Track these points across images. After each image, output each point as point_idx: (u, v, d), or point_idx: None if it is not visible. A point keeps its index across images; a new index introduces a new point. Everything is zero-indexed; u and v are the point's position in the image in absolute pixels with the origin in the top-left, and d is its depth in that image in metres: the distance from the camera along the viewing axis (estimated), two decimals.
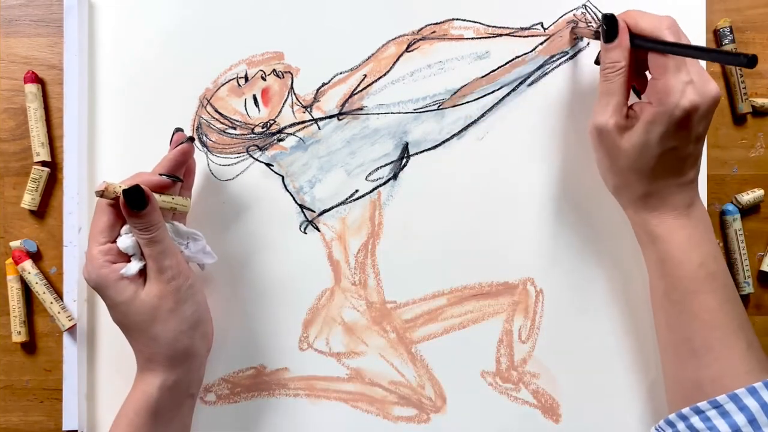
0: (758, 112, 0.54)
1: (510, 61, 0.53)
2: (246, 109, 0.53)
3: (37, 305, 0.53)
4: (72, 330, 0.51)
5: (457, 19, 0.53)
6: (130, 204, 0.42)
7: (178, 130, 0.48)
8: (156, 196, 0.44)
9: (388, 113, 0.53)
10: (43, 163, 0.53)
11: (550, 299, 0.52)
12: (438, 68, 0.53)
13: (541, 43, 0.53)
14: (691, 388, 0.44)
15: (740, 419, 0.40)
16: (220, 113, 0.53)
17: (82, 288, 0.52)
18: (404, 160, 0.53)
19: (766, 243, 0.54)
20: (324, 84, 0.53)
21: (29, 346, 0.54)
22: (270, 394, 0.52)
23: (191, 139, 0.48)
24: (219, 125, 0.53)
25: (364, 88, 0.53)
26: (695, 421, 0.42)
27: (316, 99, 0.53)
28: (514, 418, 0.52)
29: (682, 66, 0.43)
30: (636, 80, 0.48)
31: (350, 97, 0.53)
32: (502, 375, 0.52)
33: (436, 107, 0.53)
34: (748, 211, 0.54)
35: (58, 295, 0.52)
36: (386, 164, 0.53)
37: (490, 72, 0.53)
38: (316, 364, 0.52)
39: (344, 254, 0.53)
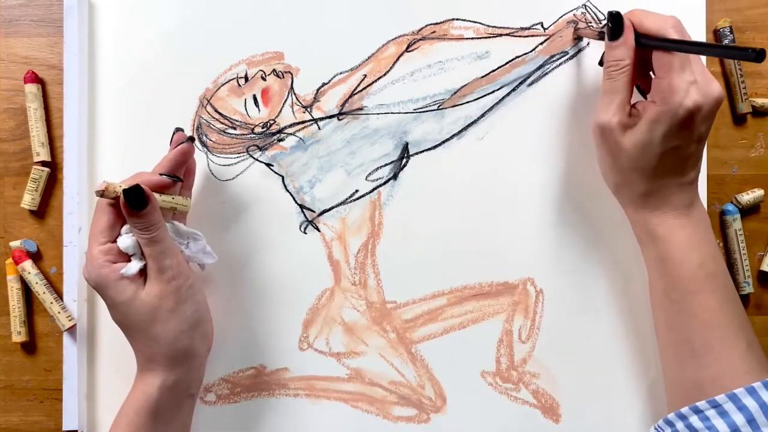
0: (758, 112, 0.54)
1: (510, 61, 0.53)
2: (246, 109, 0.53)
3: (37, 305, 0.53)
4: (72, 330, 0.51)
5: (457, 19, 0.53)
6: (131, 204, 0.42)
7: (179, 130, 0.48)
8: (156, 195, 0.44)
9: (388, 113, 0.53)
10: (43, 163, 0.53)
11: (550, 299, 0.52)
12: (438, 68, 0.53)
13: (541, 43, 0.53)
14: (690, 388, 0.44)
15: (739, 419, 0.40)
16: (220, 113, 0.53)
17: (82, 288, 0.52)
18: (404, 160, 0.53)
19: (766, 243, 0.54)
20: (324, 84, 0.53)
21: (29, 346, 0.54)
22: (270, 394, 0.52)
23: (191, 139, 0.48)
24: (219, 125, 0.53)
25: (364, 88, 0.53)
26: (694, 420, 0.42)
27: (316, 99, 0.53)
28: (514, 418, 0.52)
29: (686, 66, 0.43)
30: (641, 80, 0.48)
31: (350, 97, 0.53)
32: (502, 375, 0.52)
33: (436, 107, 0.53)
34: (748, 211, 0.54)
35: (58, 295, 0.52)
36: (386, 164, 0.53)
37: (490, 72, 0.53)
38: (316, 364, 0.52)
39: (344, 254, 0.53)
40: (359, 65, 0.53)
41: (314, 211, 0.53)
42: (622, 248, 0.52)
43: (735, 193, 0.54)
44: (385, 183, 0.53)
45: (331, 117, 0.53)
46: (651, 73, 0.46)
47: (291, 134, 0.53)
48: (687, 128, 0.43)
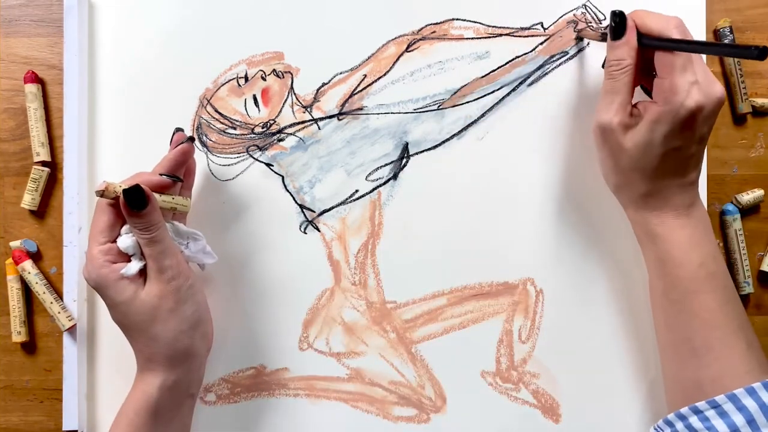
0: (758, 112, 0.54)
1: (510, 61, 0.53)
2: (246, 109, 0.53)
3: (37, 305, 0.53)
4: (72, 330, 0.51)
5: (457, 19, 0.53)
6: (131, 204, 0.42)
7: (179, 130, 0.48)
8: (156, 195, 0.44)
9: (388, 113, 0.53)
10: (43, 163, 0.53)
11: (550, 299, 0.52)
12: (438, 68, 0.53)
13: (541, 43, 0.53)
14: (690, 388, 0.44)
15: (739, 419, 0.40)
16: (220, 113, 0.53)
17: (82, 288, 0.52)
18: (404, 160, 0.53)
19: (766, 243, 0.54)
20: (324, 84, 0.53)
21: (29, 346, 0.54)
22: (270, 394, 0.52)
23: (191, 139, 0.48)
24: (219, 125, 0.53)
25: (364, 88, 0.53)
26: (694, 421, 0.42)
27: (316, 99, 0.53)
28: (514, 418, 0.52)
29: (688, 66, 0.43)
30: (646, 81, 0.48)
31: (350, 97, 0.53)
32: (502, 375, 0.52)
33: (436, 107, 0.53)
34: (748, 211, 0.54)
35: (58, 295, 0.52)
36: (386, 164, 0.53)
37: (490, 72, 0.53)
38: (316, 364, 0.52)
39: (344, 254, 0.53)
40: (359, 65, 0.53)
41: (314, 211, 0.53)
42: (622, 248, 0.52)
43: (735, 193, 0.54)
44: (385, 183, 0.53)
45: (331, 117, 0.53)
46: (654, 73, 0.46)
47: (291, 134, 0.53)
48: (688, 129, 0.43)
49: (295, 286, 0.52)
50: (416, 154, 0.53)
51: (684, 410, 0.43)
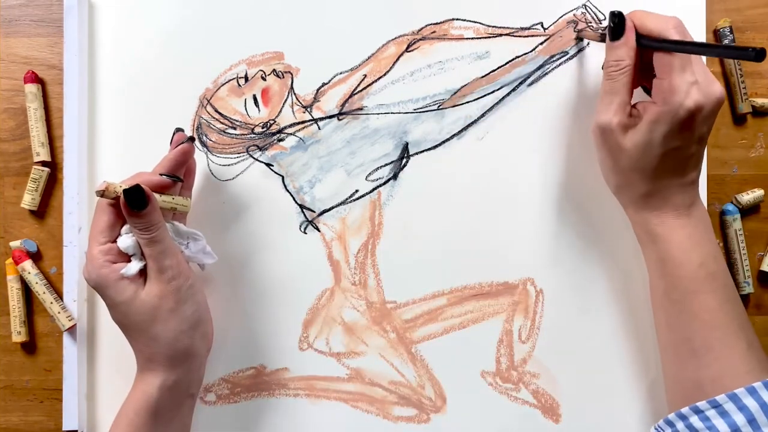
0: (758, 112, 0.54)
1: (510, 61, 0.53)
2: (246, 109, 0.53)
3: (37, 305, 0.53)
4: (72, 330, 0.51)
5: (457, 19, 0.53)
6: (131, 204, 0.42)
7: (179, 130, 0.48)
8: (156, 195, 0.44)
9: (388, 113, 0.53)
10: (43, 163, 0.53)
11: (550, 299, 0.52)
12: (438, 68, 0.53)
13: (541, 43, 0.53)
14: (691, 388, 0.44)
15: (739, 419, 0.40)
16: (220, 113, 0.53)
17: (82, 288, 0.52)
18: (404, 160, 0.53)
19: (766, 243, 0.54)
20: (324, 84, 0.53)
21: (29, 346, 0.54)
22: (270, 394, 0.52)
23: (191, 139, 0.48)
24: (219, 125, 0.53)
25: (364, 88, 0.53)
26: (694, 420, 0.42)
27: (316, 99, 0.53)
28: (514, 418, 0.52)
29: (687, 66, 0.43)
30: (646, 81, 0.48)
31: (350, 97, 0.53)
32: (502, 375, 0.52)
33: (436, 107, 0.53)
34: (748, 211, 0.54)
35: (58, 295, 0.52)
36: (386, 164, 0.53)
37: (490, 72, 0.53)
38: (316, 364, 0.52)
39: (344, 254, 0.53)
40: (359, 65, 0.53)
41: (314, 211, 0.53)
42: (622, 248, 0.52)
43: (735, 193, 0.54)
44: (385, 183, 0.53)
45: (331, 117, 0.53)
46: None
47: (291, 134, 0.53)
48: (688, 129, 0.43)
49: (295, 286, 0.52)
50: (416, 154, 0.53)
51: (685, 410, 0.43)
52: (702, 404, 0.42)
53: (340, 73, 0.53)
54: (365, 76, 0.53)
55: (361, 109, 0.53)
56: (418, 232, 0.52)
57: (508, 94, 0.53)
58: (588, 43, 0.52)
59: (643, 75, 0.47)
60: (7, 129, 0.54)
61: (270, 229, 0.52)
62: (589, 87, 0.52)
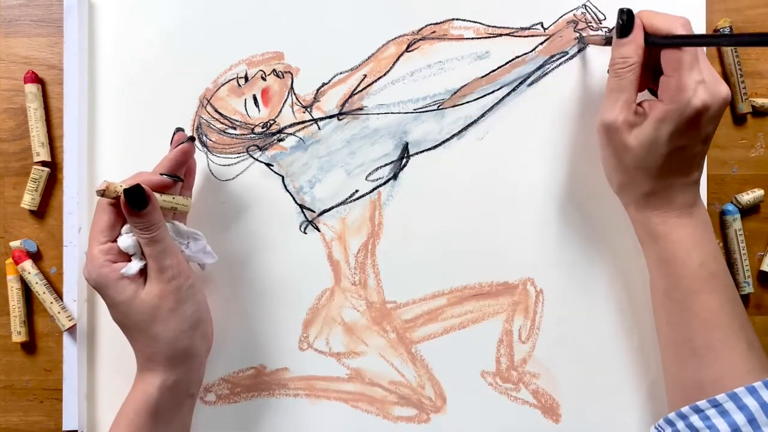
0: (758, 112, 0.54)
1: (510, 61, 0.53)
2: (246, 109, 0.53)
3: (37, 305, 0.53)
4: (72, 330, 0.51)
5: (457, 19, 0.53)
6: (131, 203, 0.42)
7: (179, 129, 0.49)
8: (157, 195, 0.44)
9: (388, 113, 0.53)
10: (43, 163, 0.53)
11: (550, 299, 0.52)
12: (438, 68, 0.53)
13: (541, 43, 0.53)
14: (691, 388, 0.44)
15: (739, 418, 0.40)
16: (220, 113, 0.53)
17: (82, 288, 0.52)
18: (404, 160, 0.53)
19: (766, 243, 0.54)
20: (324, 84, 0.53)
21: (29, 346, 0.54)
22: (270, 394, 0.52)
23: (192, 139, 0.48)
24: (219, 125, 0.53)
25: (364, 88, 0.53)
26: (694, 420, 0.42)
27: (316, 99, 0.53)
28: (514, 418, 0.52)
29: (695, 65, 0.43)
30: (653, 84, 0.47)
31: (350, 97, 0.53)
32: (502, 375, 0.52)
33: (436, 107, 0.53)
34: (748, 211, 0.54)
35: (58, 295, 0.52)
36: (386, 164, 0.53)
37: (490, 72, 0.53)
38: (316, 364, 0.52)
39: (344, 254, 0.53)
40: (359, 65, 0.53)
41: (314, 211, 0.53)
42: (623, 248, 0.52)
43: (735, 193, 0.54)
44: (385, 183, 0.53)
45: (331, 117, 0.53)
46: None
47: (291, 134, 0.53)
48: (694, 128, 0.43)
49: (295, 286, 0.52)
50: (416, 154, 0.53)
51: (685, 409, 0.43)
52: (702, 403, 0.42)
53: (340, 73, 0.53)
54: (365, 76, 0.53)
55: (361, 109, 0.53)
56: (418, 232, 0.52)
57: (508, 94, 0.53)
58: (588, 43, 0.52)
59: (649, 77, 0.47)
60: (7, 129, 0.54)
61: (270, 229, 0.52)
62: (589, 87, 0.52)
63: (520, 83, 0.53)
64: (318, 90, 0.53)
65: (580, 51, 0.52)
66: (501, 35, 0.53)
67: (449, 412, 0.52)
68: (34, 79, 0.53)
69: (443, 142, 0.53)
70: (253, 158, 0.53)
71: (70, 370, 0.51)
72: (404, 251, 0.52)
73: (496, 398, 0.52)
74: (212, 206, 0.53)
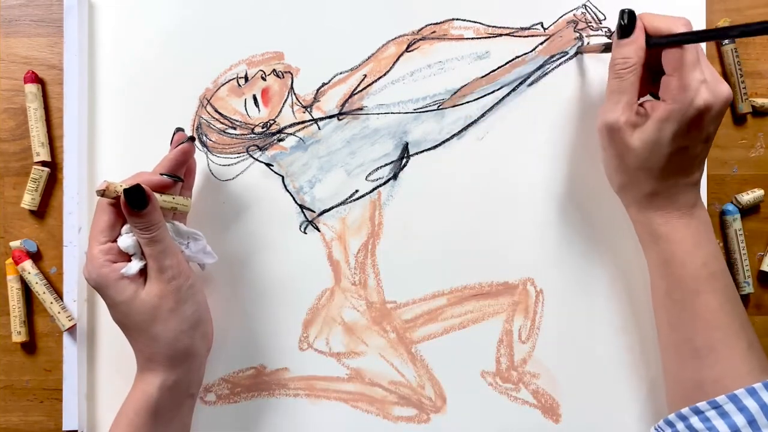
0: (758, 112, 0.54)
1: (510, 61, 0.53)
2: (246, 109, 0.53)
3: (37, 305, 0.53)
4: (72, 330, 0.51)
5: (457, 19, 0.53)
6: (131, 203, 0.42)
7: (179, 129, 0.48)
8: (157, 195, 0.44)
9: (388, 113, 0.53)
10: (43, 163, 0.53)
11: (550, 299, 0.52)
12: (438, 68, 0.53)
13: (541, 43, 0.53)
14: (692, 388, 0.44)
15: (739, 420, 0.40)
16: (220, 113, 0.53)
17: (82, 288, 0.52)
18: (404, 160, 0.53)
19: (766, 243, 0.54)
20: (324, 84, 0.53)
21: (29, 346, 0.54)
22: (270, 394, 0.52)
23: (192, 139, 0.48)
24: (219, 125, 0.53)
25: (364, 88, 0.53)
26: (694, 421, 0.42)
27: (316, 99, 0.53)
28: (514, 418, 0.52)
29: (697, 65, 0.43)
30: (654, 88, 0.47)
31: (350, 97, 0.53)
32: (502, 375, 0.52)
33: (436, 107, 0.53)
34: (748, 211, 0.54)
35: (58, 295, 0.52)
36: (386, 164, 0.53)
37: (490, 72, 0.53)
38: (316, 364, 0.52)
39: (344, 254, 0.53)
40: (359, 65, 0.53)
41: (314, 211, 0.53)
42: (623, 248, 0.52)
43: (735, 193, 0.54)
44: (385, 183, 0.53)
45: (331, 117, 0.53)
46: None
47: (291, 134, 0.53)
48: (696, 128, 0.43)
49: (295, 286, 0.52)
50: (416, 154, 0.53)
51: (685, 410, 0.43)
52: (702, 405, 0.42)
53: (340, 73, 0.53)
54: (365, 76, 0.53)
55: (361, 109, 0.53)
56: (418, 232, 0.52)
57: (508, 94, 0.53)
58: (588, 43, 0.52)
59: (649, 80, 0.46)
60: (7, 129, 0.54)
61: (270, 229, 0.52)
62: (589, 87, 0.52)
63: (520, 83, 0.53)
64: (318, 90, 0.53)
65: (573, 57, 0.52)
66: (501, 35, 0.53)
67: (449, 412, 0.52)
68: (34, 79, 0.53)
69: (443, 142, 0.53)
70: (253, 158, 0.53)
71: (70, 370, 0.51)
72: (404, 251, 0.52)
73: (496, 398, 0.52)
74: (212, 206, 0.53)
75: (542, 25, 0.53)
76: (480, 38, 0.53)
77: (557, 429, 0.52)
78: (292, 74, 0.53)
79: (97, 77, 0.53)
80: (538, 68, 0.52)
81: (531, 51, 0.53)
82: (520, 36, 0.53)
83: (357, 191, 0.53)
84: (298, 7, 0.53)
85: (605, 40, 0.52)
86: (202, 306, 0.47)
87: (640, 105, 0.45)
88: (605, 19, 0.52)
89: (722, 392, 0.42)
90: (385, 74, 0.53)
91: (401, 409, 0.52)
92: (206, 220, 0.52)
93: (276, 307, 0.52)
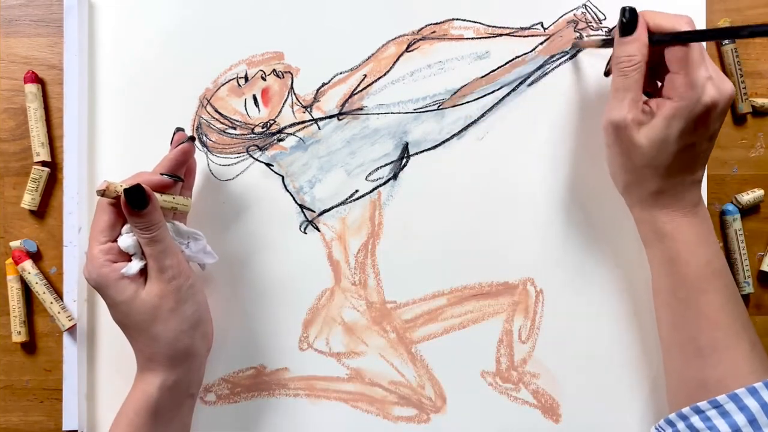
0: (758, 112, 0.54)
1: (510, 61, 0.53)
2: (246, 109, 0.53)
3: (37, 305, 0.53)
4: (72, 330, 0.51)
5: (457, 19, 0.53)
6: (131, 203, 0.42)
7: (179, 129, 0.49)
8: (157, 195, 0.44)
9: (388, 113, 0.53)
10: (43, 163, 0.53)
11: (550, 299, 0.52)
12: (438, 68, 0.53)
13: (541, 43, 0.53)
14: (695, 388, 0.44)
15: (740, 419, 0.40)
16: (220, 113, 0.53)
17: (82, 288, 0.52)
18: (404, 160, 0.53)
19: (766, 243, 0.54)
20: (324, 84, 0.53)
21: (29, 346, 0.54)
22: (270, 394, 0.52)
23: (192, 139, 0.48)
24: (219, 125, 0.53)
25: (364, 88, 0.53)
26: (695, 420, 0.42)
27: (316, 99, 0.53)
28: (514, 418, 0.52)
29: (702, 61, 0.43)
30: (650, 87, 0.47)
31: (350, 97, 0.53)
32: (502, 375, 0.52)
33: (436, 107, 0.53)
34: (748, 211, 0.54)
35: (58, 295, 0.52)
36: (386, 164, 0.53)
37: (490, 72, 0.53)
38: (316, 364, 0.52)
39: (344, 254, 0.53)
40: (359, 65, 0.53)
41: (314, 211, 0.53)
42: (623, 248, 0.52)
43: (735, 193, 0.54)
44: (385, 183, 0.53)
45: (331, 117, 0.53)
46: (658, 82, 0.46)
47: (291, 134, 0.53)
48: (703, 125, 0.43)
49: (295, 286, 0.52)
50: (416, 154, 0.53)
51: (685, 410, 0.43)
52: (703, 404, 0.42)
53: (340, 73, 0.53)
54: (365, 76, 0.53)
55: (361, 109, 0.53)
56: (418, 232, 0.52)
57: (508, 94, 0.53)
58: (586, 36, 0.52)
59: (648, 78, 0.46)
60: (7, 129, 0.54)
61: (270, 229, 0.52)
62: (589, 87, 0.52)
63: (520, 83, 0.53)
64: (318, 90, 0.53)
65: (573, 56, 0.52)
66: (501, 35, 0.53)
67: (449, 412, 0.52)
68: (34, 79, 0.53)
69: (443, 142, 0.53)
70: (253, 158, 0.53)
71: (70, 370, 0.51)
72: (404, 251, 0.52)
73: (496, 398, 0.52)
74: (212, 206, 0.53)
75: (542, 25, 0.53)
76: (480, 38, 0.53)
77: (557, 429, 0.52)
78: (292, 74, 0.53)
79: (97, 77, 0.53)
80: (538, 68, 0.52)
81: (531, 51, 0.53)
82: (520, 36, 0.53)
83: (357, 191, 0.53)
84: (298, 7, 0.53)
85: (604, 38, 0.52)
86: (202, 306, 0.47)
87: (645, 103, 0.45)
88: (605, 18, 0.52)
89: (725, 392, 0.41)
90: (385, 74, 0.53)
91: (401, 409, 0.52)
92: (206, 220, 0.52)
93: (276, 307, 0.52)
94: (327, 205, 0.53)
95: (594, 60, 0.52)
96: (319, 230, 0.53)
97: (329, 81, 0.53)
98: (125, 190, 0.43)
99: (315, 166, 0.53)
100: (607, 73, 0.51)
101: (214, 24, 0.53)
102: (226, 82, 0.53)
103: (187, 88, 0.53)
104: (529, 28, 0.53)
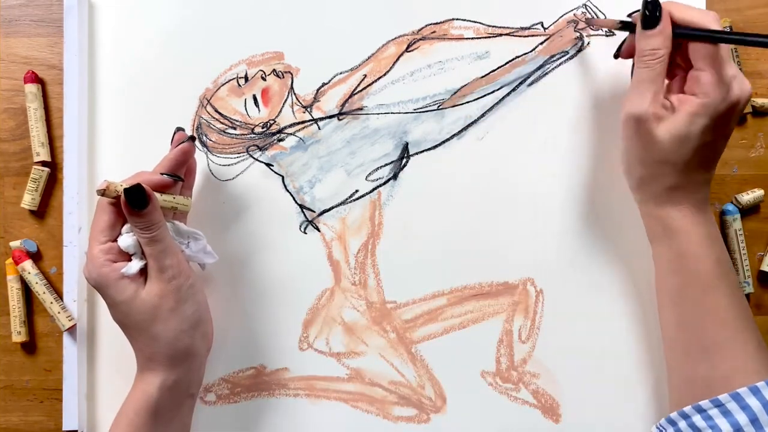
0: (758, 112, 0.54)
1: (510, 61, 0.53)
2: (246, 109, 0.53)
3: (37, 305, 0.53)
4: (72, 330, 0.51)
5: (457, 19, 0.53)
6: (131, 203, 0.42)
7: (179, 129, 0.49)
8: (157, 195, 0.44)
9: (388, 113, 0.53)
10: (43, 163, 0.53)
11: (550, 299, 0.52)
12: (438, 68, 0.53)
13: (541, 43, 0.53)
14: (700, 387, 0.44)
15: (742, 418, 0.40)
16: (220, 113, 0.53)
17: (82, 288, 0.52)
18: (404, 160, 0.53)
19: (766, 243, 0.54)
20: (324, 84, 0.53)
21: (29, 346, 0.54)
22: (270, 394, 0.52)
23: (192, 139, 0.48)
24: (219, 125, 0.53)
25: (364, 88, 0.53)
26: (697, 419, 0.42)
27: (316, 99, 0.53)
28: (514, 418, 0.52)
29: (729, 60, 0.42)
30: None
31: (350, 97, 0.53)
32: (502, 375, 0.52)
33: (436, 107, 0.53)
34: (748, 211, 0.54)
35: (58, 295, 0.52)
36: (386, 164, 0.53)
37: (490, 72, 0.53)
38: (316, 364, 0.52)
39: (344, 254, 0.53)
40: (359, 65, 0.53)
41: (314, 211, 0.53)
42: (623, 248, 0.52)
43: (735, 193, 0.54)
44: (385, 183, 0.53)
45: (331, 117, 0.53)
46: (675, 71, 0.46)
47: (291, 134, 0.53)
48: (725, 123, 0.43)
49: (295, 286, 0.52)
50: (416, 154, 0.53)
51: (687, 409, 0.43)
52: (704, 403, 0.42)
53: (340, 73, 0.53)
54: (365, 76, 0.53)
55: (361, 109, 0.53)
56: (418, 232, 0.52)
57: (508, 94, 0.53)
58: (588, 43, 0.52)
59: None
60: (7, 129, 0.54)
61: (270, 229, 0.52)
62: (589, 86, 0.52)
63: (520, 83, 0.53)
64: (318, 90, 0.53)
65: (579, 51, 0.52)
66: (501, 35, 0.53)
67: (449, 412, 0.52)
68: (34, 79, 0.53)
69: (443, 142, 0.53)
70: (253, 158, 0.53)
71: (70, 370, 0.51)
72: (404, 251, 0.52)
73: (496, 398, 0.52)
74: (212, 206, 0.53)
75: (542, 25, 0.53)
76: (480, 38, 0.53)
77: (557, 429, 0.52)
78: (292, 74, 0.53)
79: (97, 77, 0.53)
80: (538, 68, 0.52)
81: (531, 51, 0.53)
82: (520, 36, 0.53)
83: (357, 191, 0.53)
84: (298, 7, 0.53)
85: (604, 38, 0.52)
86: (202, 306, 0.47)
87: (665, 98, 0.44)
88: (605, 19, 0.52)
89: (732, 390, 0.41)
90: (385, 74, 0.53)
91: (401, 409, 0.52)
92: (206, 220, 0.52)
93: (276, 307, 0.52)
94: (327, 205, 0.53)
95: (594, 60, 0.52)
96: (319, 230, 0.53)
97: (329, 81, 0.53)
98: (125, 189, 0.43)
99: (315, 166, 0.53)
100: (616, 56, 0.49)
101: (214, 24, 0.53)
102: (226, 82, 0.53)
103: (187, 88, 0.53)
104: (529, 28, 0.53)
